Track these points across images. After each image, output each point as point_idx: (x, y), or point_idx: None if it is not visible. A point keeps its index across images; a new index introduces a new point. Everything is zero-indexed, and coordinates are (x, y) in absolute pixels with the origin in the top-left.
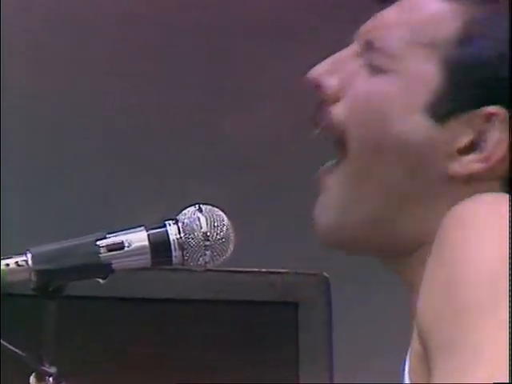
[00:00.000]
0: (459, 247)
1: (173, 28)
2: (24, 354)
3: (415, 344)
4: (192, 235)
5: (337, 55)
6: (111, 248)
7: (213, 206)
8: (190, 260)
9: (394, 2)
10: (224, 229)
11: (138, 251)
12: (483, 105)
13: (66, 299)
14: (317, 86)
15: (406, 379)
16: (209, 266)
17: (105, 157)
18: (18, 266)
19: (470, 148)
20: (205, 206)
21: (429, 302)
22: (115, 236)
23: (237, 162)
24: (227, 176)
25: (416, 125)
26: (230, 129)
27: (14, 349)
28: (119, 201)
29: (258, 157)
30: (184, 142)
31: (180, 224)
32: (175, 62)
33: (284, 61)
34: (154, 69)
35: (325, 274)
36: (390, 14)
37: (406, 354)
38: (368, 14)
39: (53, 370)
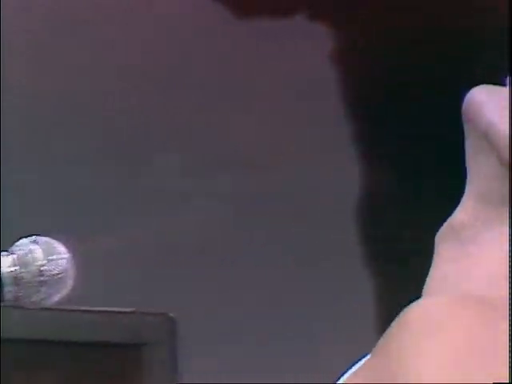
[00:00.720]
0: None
1: (173, 28)
2: None
3: None
4: (25, 269)
5: None
6: None
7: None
8: (23, 296)
9: None
10: (61, 263)
11: None
12: None
13: None
14: None
15: None
16: (44, 304)
17: (105, 157)
18: None
19: None
20: (41, 238)
21: None
22: None
23: (237, 162)
24: (227, 176)
25: None
26: (229, 129)
27: None
28: (119, 201)
29: (257, 157)
30: (184, 142)
31: (14, 256)
32: (175, 62)
33: (284, 61)
34: (153, 69)
35: (171, 314)
36: None
37: None
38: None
39: None
